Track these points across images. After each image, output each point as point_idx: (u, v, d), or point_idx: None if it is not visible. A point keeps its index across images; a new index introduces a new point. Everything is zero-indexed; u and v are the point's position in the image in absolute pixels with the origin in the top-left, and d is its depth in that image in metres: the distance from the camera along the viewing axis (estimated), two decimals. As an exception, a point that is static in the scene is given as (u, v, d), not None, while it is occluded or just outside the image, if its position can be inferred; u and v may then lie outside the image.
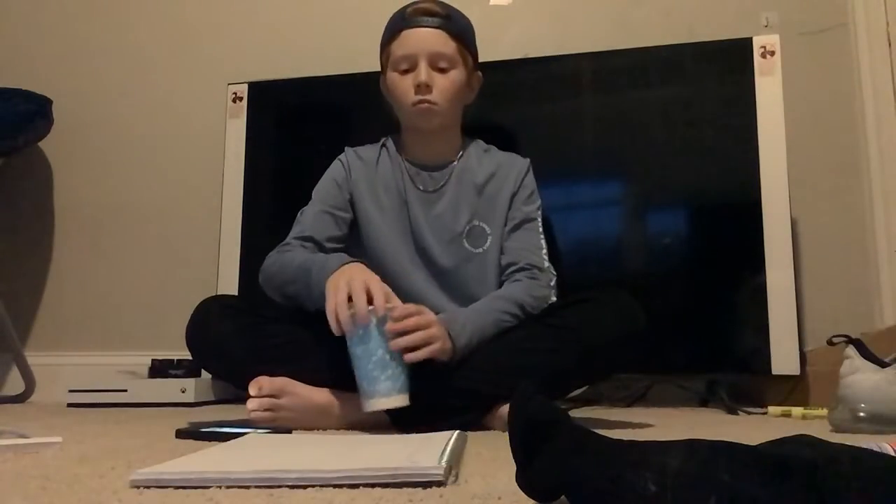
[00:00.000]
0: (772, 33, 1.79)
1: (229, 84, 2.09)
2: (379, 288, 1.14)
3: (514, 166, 1.45)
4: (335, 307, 1.12)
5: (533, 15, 2.20)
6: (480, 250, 1.40)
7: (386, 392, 1.10)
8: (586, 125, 1.90)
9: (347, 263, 1.21)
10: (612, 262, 1.85)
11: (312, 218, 1.39)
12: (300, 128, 2.08)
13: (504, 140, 1.75)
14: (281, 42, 2.32)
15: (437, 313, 1.24)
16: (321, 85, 2.04)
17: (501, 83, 1.95)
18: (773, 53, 1.75)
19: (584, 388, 1.49)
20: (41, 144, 2.35)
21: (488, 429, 1.20)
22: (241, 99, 2.07)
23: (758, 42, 1.77)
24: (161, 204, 2.33)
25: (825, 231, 1.96)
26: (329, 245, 1.38)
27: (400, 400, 1.11)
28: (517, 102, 1.94)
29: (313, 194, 1.44)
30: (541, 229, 1.42)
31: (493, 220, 1.41)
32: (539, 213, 1.44)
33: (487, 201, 1.41)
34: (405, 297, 1.32)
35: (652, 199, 1.84)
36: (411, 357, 1.12)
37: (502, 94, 1.95)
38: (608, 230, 1.86)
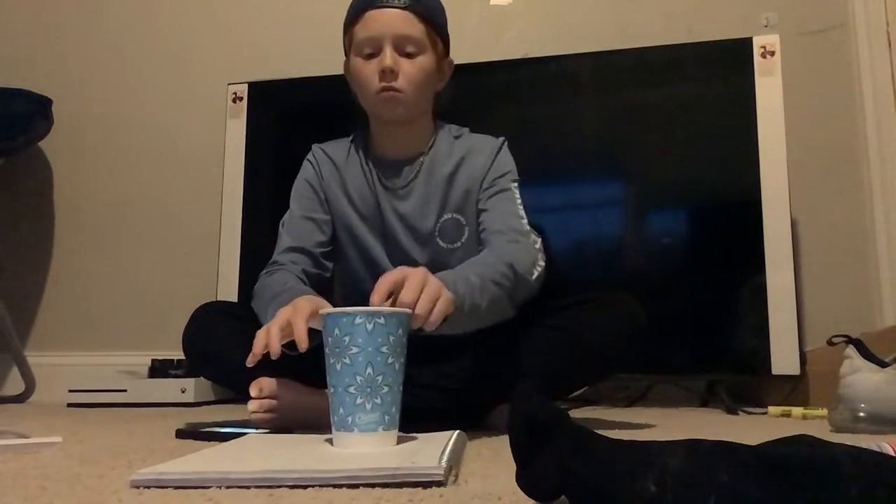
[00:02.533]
0: (772, 33, 1.79)
1: (229, 84, 2.09)
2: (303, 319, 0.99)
3: (485, 148, 1.35)
4: (265, 331, 1.00)
5: (533, 15, 2.20)
6: (458, 244, 1.32)
7: (370, 425, 0.82)
8: (586, 125, 1.90)
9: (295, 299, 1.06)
10: (612, 262, 1.85)
11: (296, 227, 1.35)
12: (300, 128, 2.07)
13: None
14: (281, 42, 2.32)
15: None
16: (321, 85, 2.04)
17: (501, 83, 1.95)
18: (773, 53, 1.75)
19: (584, 389, 1.49)
20: (41, 144, 2.35)
21: (489, 429, 1.20)
22: (241, 99, 2.07)
23: (758, 42, 1.77)
24: (161, 204, 2.33)
25: (825, 231, 1.96)
26: (318, 251, 1.33)
27: (387, 438, 0.84)
28: (517, 102, 1.94)
29: (291, 202, 1.39)
30: (518, 199, 1.31)
31: (466, 209, 1.32)
32: (514, 185, 1.33)
33: (459, 190, 1.32)
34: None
35: (652, 199, 1.84)
36: (433, 322, 0.93)
37: (502, 94, 1.95)
38: (608, 230, 1.86)
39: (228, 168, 2.04)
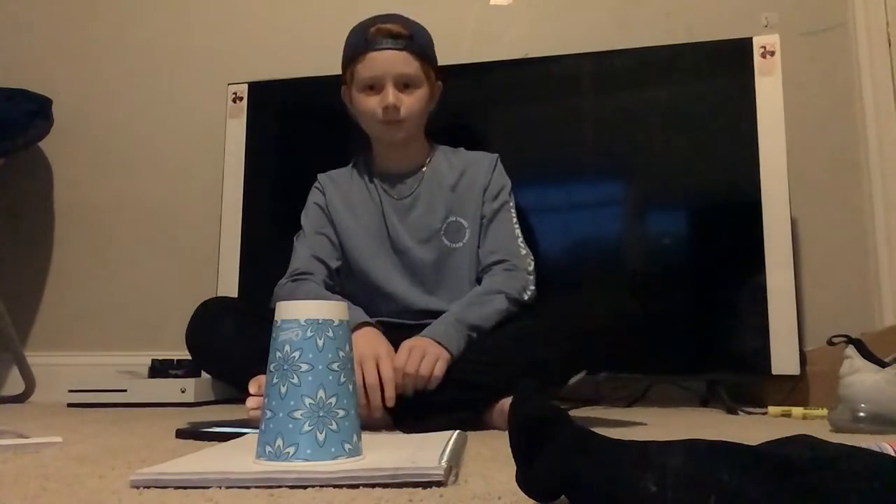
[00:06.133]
0: (772, 33, 1.79)
1: (229, 84, 2.09)
2: (388, 364, 1.18)
3: (483, 161, 1.50)
4: (371, 382, 1.16)
5: (533, 15, 2.20)
6: (460, 244, 1.44)
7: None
8: (586, 125, 1.90)
9: (361, 327, 1.25)
10: (612, 262, 1.84)
11: (312, 240, 1.46)
12: (300, 128, 2.07)
13: (503, 140, 1.74)
14: (281, 42, 2.32)
15: (421, 313, 1.37)
16: (321, 85, 2.03)
17: (501, 83, 1.95)
18: (773, 53, 1.75)
19: (581, 374, 1.47)
20: (41, 144, 2.35)
21: (489, 427, 1.20)
22: (241, 99, 2.07)
23: (758, 42, 1.77)
24: (161, 204, 2.33)
25: (825, 231, 1.96)
26: (332, 264, 1.45)
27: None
28: (517, 102, 1.94)
29: (302, 222, 1.50)
30: (513, 215, 1.47)
31: (469, 213, 1.46)
32: (510, 198, 1.48)
33: (461, 196, 1.47)
34: (388, 302, 1.43)
35: (652, 199, 1.84)
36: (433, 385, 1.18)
37: (502, 94, 1.95)
38: (608, 230, 1.86)
39: (228, 168, 2.04)
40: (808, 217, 1.95)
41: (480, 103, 1.91)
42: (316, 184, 1.55)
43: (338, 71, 1.99)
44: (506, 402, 1.14)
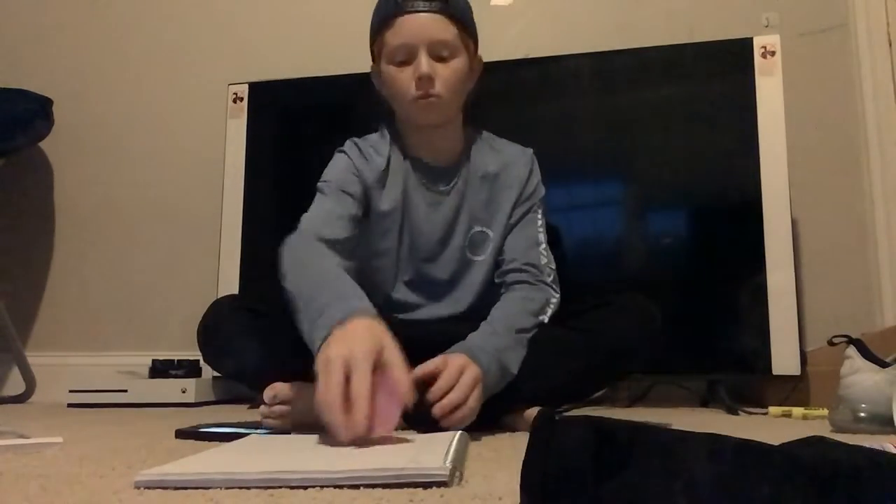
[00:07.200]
0: (772, 33, 1.79)
1: (229, 84, 2.09)
2: (398, 364, 0.88)
3: (517, 165, 1.36)
4: (327, 398, 0.83)
5: (533, 15, 2.20)
6: (483, 257, 1.33)
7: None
8: (586, 125, 1.90)
9: (348, 320, 0.92)
10: (613, 262, 1.84)
11: (339, 198, 1.27)
12: (300, 128, 2.07)
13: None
14: (281, 42, 2.32)
15: (430, 324, 1.26)
16: (321, 85, 2.04)
17: (501, 83, 1.94)
18: (773, 53, 1.75)
19: (601, 391, 1.47)
20: (41, 144, 2.35)
21: (495, 429, 1.18)
22: (241, 99, 2.06)
23: (758, 42, 1.77)
24: (161, 204, 2.33)
25: (825, 231, 1.96)
26: (350, 233, 1.25)
27: None
28: (517, 102, 1.94)
29: (328, 176, 1.31)
30: (540, 221, 1.35)
31: (495, 224, 1.34)
32: (539, 203, 1.36)
33: (490, 206, 1.34)
34: (395, 306, 1.32)
35: (652, 199, 1.84)
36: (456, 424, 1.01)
37: (502, 94, 1.94)
38: (609, 230, 1.86)
39: (228, 168, 2.04)
40: (808, 217, 1.95)
41: (480, 103, 1.91)
42: (353, 151, 1.32)
43: (337, 71, 2.00)
44: (532, 411, 1.12)
